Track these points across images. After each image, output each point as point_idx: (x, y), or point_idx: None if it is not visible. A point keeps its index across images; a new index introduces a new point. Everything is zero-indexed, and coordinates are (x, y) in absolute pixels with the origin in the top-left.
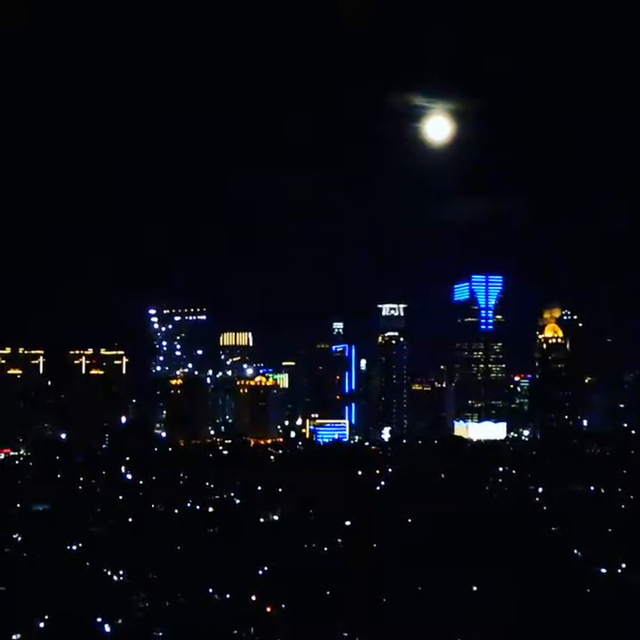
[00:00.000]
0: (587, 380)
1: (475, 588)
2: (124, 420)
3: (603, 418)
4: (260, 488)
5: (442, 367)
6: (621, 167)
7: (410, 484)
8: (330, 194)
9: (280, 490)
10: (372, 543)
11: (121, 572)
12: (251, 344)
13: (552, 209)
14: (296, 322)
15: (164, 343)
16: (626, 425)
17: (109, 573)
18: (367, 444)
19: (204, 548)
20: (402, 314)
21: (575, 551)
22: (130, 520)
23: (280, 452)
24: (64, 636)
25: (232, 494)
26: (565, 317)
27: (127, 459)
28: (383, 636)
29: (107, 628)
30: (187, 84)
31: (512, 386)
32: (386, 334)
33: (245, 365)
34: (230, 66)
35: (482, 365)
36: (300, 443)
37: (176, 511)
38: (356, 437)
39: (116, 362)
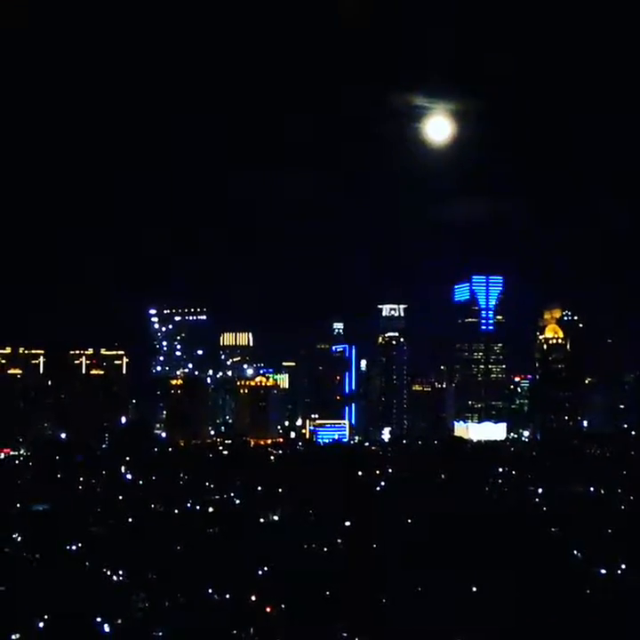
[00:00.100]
0: (587, 381)
1: (474, 589)
2: (124, 420)
3: (603, 418)
4: (259, 488)
5: (442, 368)
6: (621, 167)
7: (410, 485)
8: (330, 194)
9: (280, 490)
10: (372, 543)
11: (120, 572)
12: (251, 344)
13: (552, 209)
14: (296, 322)
15: (165, 343)
16: (626, 426)
17: (109, 573)
18: (367, 444)
19: (203, 548)
20: (402, 314)
21: (575, 552)
22: (129, 520)
23: (280, 452)
24: (63, 635)
25: (232, 494)
26: (566, 318)
27: (127, 459)
28: (382, 637)
29: (106, 627)
30: (186, 84)
31: (512, 386)
32: (386, 335)
33: (245, 365)
34: (230, 66)
35: (482, 366)
36: (300, 443)
37: (176, 511)
38: (356, 438)
39: (117, 362)
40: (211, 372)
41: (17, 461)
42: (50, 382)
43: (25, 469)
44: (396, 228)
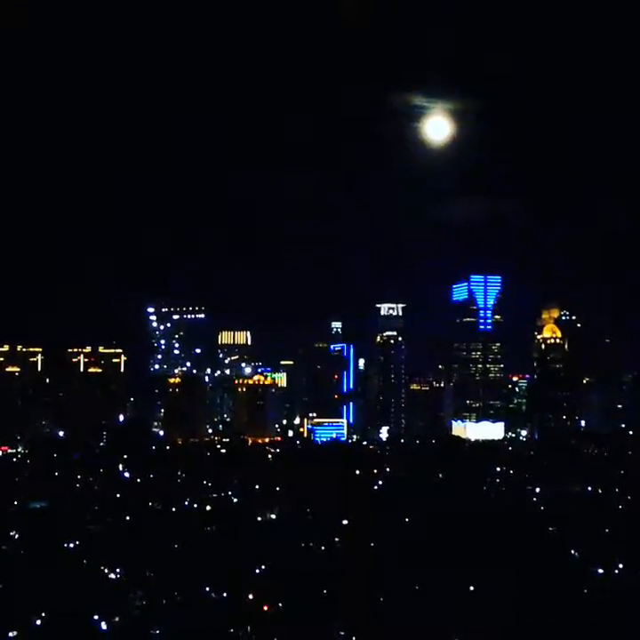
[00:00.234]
0: (585, 381)
1: (472, 588)
2: (122, 418)
3: (601, 418)
4: (257, 487)
5: (440, 367)
6: (621, 167)
7: (407, 484)
8: (329, 194)
9: (277, 489)
10: (370, 542)
11: (118, 570)
12: (249, 343)
13: (551, 209)
14: (295, 321)
15: (163, 342)
16: (624, 425)
17: (106, 571)
18: (365, 443)
19: (201, 546)
20: (400, 313)
21: (572, 551)
22: (127, 518)
23: (278, 450)
24: (61, 633)
25: (230, 493)
26: (564, 318)
27: (125, 457)
28: (380, 636)
29: (103, 625)
30: (186, 84)
31: (510, 386)
32: (384, 334)
33: (244, 364)
34: (230, 65)
35: (480, 365)
36: (298, 442)
37: (173, 509)
38: (354, 437)
39: (115, 360)
40: (209, 370)
41: (15, 459)
42: (48, 380)
43: (23, 467)
44: (394, 228)
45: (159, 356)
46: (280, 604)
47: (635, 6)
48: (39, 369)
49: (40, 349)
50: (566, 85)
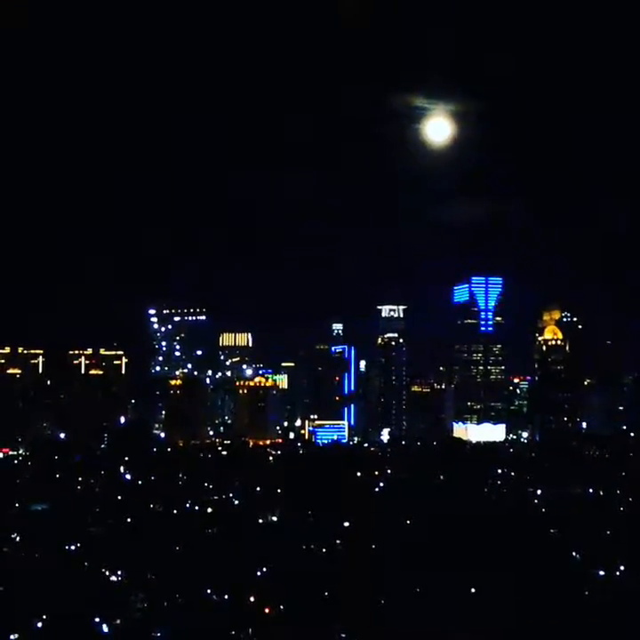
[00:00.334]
0: (586, 382)
1: (473, 590)
2: (123, 420)
3: (602, 420)
4: (258, 489)
5: (441, 369)
6: (622, 168)
7: (408, 486)
8: (330, 194)
9: (279, 491)
10: (371, 544)
11: (119, 573)
12: (250, 345)
13: (552, 210)
14: (295, 323)
15: (164, 343)
16: (625, 427)
17: (108, 573)
18: (366, 445)
19: (202, 548)
20: (401, 315)
21: (574, 553)
22: (128, 520)
23: (279, 452)
24: (62, 636)
25: (231, 495)
26: (565, 319)
27: (126, 459)
28: (381, 638)
29: (105, 628)
30: (186, 84)
31: (511, 388)
32: (385, 335)
33: (245, 366)
34: (230, 65)
35: (481, 367)
36: (299, 444)
37: (175, 511)
38: (355, 438)
39: (116, 362)
40: (210, 372)
41: (16, 461)
42: (49, 382)
43: (24, 469)
44: (395, 229)
45: (160, 358)
46: (281, 607)
47: (634, 6)
48: (40, 371)
49: (41, 351)
50: (567, 85)
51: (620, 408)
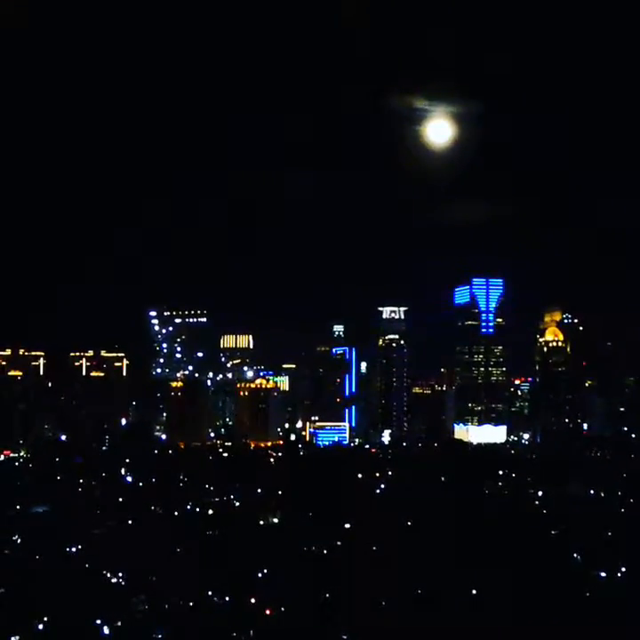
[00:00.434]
0: (587, 384)
1: (474, 592)
2: (124, 421)
3: (603, 421)
4: (259, 490)
5: (442, 370)
6: (622, 168)
7: (409, 487)
8: (330, 196)
9: (280, 492)
10: (372, 546)
11: (120, 574)
12: (251, 346)
13: (553, 211)
14: (296, 324)
15: (165, 345)
16: (626, 429)
17: (108, 575)
18: (367, 446)
19: (203, 550)
20: (402, 316)
21: (575, 555)
22: (129, 522)
23: (280, 454)
24: (63, 637)
25: (232, 496)
26: (566, 320)
27: (127, 461)
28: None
29: (106, 630)
30: (187, 83)
31: (512, 389)
32: (386, 337)
33: (246, 368)
34: (229, 65)
35: (482, 368)
36: (300, 445)
37: (176, 513)
38: (356, 440)
39: (117, 364)
40: (211, 374)
41: (17, 463)
42: (50, 384)
43: (25, 471)
44: (396, 230)
45: (161, 360)
46: (282, 608)
47: (634, 6)
48: (41, 373)
49: (42, 353)
50: (567, 86)
51: (622, 409)
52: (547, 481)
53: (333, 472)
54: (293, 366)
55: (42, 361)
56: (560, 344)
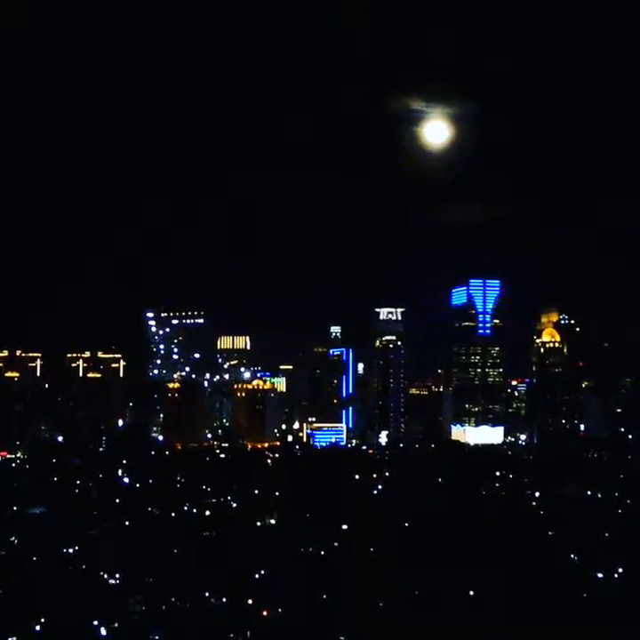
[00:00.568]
0: (584, 385)
1: (472, 593)
2: (121, 423)
3: (600, 422)
4: (256, 491)
5: (439, 371)
6: (619, 169)
7: (406, 488)
8: (329, 196)
9: (277, 493)
10: (369, 546)
11: (117, 576)
12: (248, 348)
13: (550, 213)
14: (294, 325)
15: (162, 346)
16: (623, 430)
17: (106, 576)
18: (364, 447)
19: (200, 551)
20: (399, 318)
21: (572, 555)
22: (126, 523)
23: (277, 455)
24: (60, 639)
25: (229, 498)
26: (563, 321)
27: (124, 462)
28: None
29: (103, 631)
30: (186, 83)
31: (509, 390)
32: (383, 338)
33: (243, 369)
34: (229, 65)
35: (479, 370)
36: (297, 446)
37: (173, 514)
38: (354, 441)
39: (114, 365)
40: (208, 375)
41: (14, 464)
42: (47, 385)
43: (22, 472)
44: (393, 231)
45: (158, 361)
46: (279, 609)
47: (634, 6)
48: (38, 374)
49: (39, 354)
50: (563, 87)
51: (619, 410)
52: (544, 482)
53: (330, 473)
54: (290, 367)
55: (39, 362)
56: (557, 345)
